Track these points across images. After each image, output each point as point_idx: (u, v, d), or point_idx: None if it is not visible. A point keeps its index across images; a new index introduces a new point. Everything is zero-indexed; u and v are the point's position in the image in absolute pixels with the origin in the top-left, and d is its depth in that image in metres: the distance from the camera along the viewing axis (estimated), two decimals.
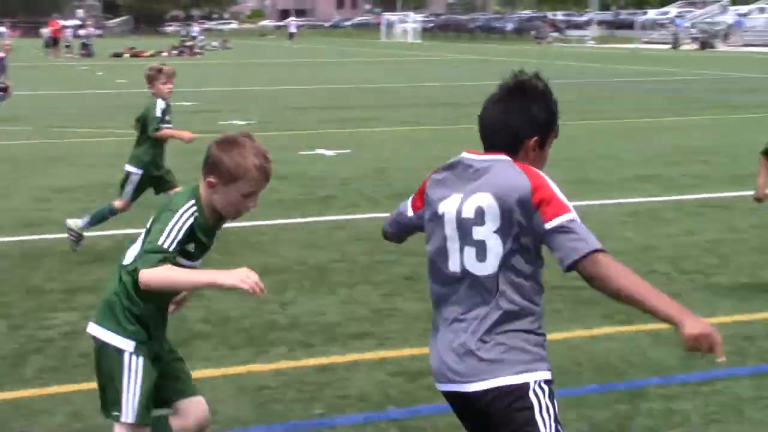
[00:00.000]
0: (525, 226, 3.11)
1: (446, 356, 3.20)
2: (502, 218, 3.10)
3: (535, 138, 3.24)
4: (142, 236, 3.74)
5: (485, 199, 3.12)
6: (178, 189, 4.85)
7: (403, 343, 6.16)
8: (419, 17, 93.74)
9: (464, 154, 3.27)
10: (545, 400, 3.12)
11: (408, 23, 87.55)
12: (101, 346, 3.80)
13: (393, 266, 7.96)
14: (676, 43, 63.35)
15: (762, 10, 73.80)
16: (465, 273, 3.18)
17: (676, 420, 4.96)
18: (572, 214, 3.08)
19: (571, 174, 12.70)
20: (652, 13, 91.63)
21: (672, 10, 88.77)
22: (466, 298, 3.19)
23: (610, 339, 6.15)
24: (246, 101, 24.28)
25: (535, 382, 3.12)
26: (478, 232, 3.14)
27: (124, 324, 3.74)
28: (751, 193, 7.24)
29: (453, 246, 3.20)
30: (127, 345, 3.75)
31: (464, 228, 3.17)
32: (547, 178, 3.16)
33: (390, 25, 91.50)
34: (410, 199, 3.54)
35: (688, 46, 64.22)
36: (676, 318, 3.02)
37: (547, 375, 3.17)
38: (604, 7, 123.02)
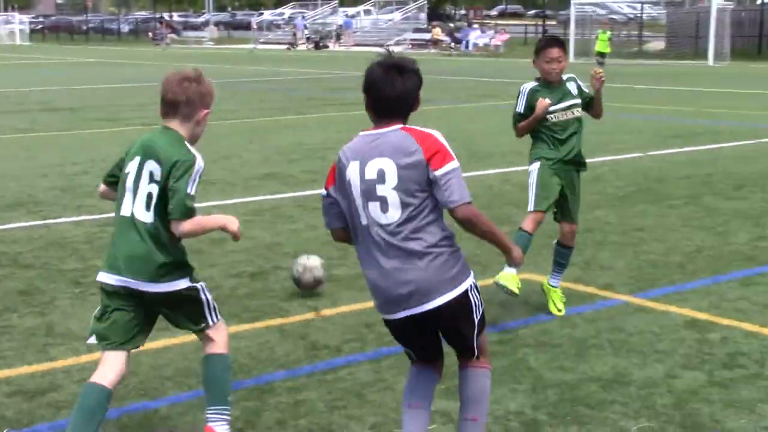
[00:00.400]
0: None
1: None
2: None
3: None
4: (146, 194, 4.23)
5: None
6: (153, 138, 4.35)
7: (18, 361, 5.84)
8: (26, 18, 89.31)
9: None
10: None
11: (14, 24, 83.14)
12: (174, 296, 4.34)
13: (5, 281, 7.52)
14: (294, 44, 65.23)
15: (368, 12, 77.91)
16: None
17: (302, 410, 5.09)
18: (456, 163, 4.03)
19: None
20: (267, 14, 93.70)
21: (286, 11, 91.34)
22: None
23: (238, 337, 6.19)
24: None
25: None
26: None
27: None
28: None
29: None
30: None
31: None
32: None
33: None
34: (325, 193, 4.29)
35: (303, 47, 66.39)
36: (509, 246, 4.24)
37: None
38: (221, 8, 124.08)
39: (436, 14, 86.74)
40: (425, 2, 76.49)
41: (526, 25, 72.22)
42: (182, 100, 4.38)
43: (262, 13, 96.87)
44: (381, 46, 64.51)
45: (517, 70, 38.15)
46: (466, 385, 4.27)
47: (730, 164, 13.36)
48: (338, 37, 69.03)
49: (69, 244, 8.79)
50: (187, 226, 4.25)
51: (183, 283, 4.39)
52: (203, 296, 4.50)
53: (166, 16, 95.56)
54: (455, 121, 19.19)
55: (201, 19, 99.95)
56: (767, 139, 16.04)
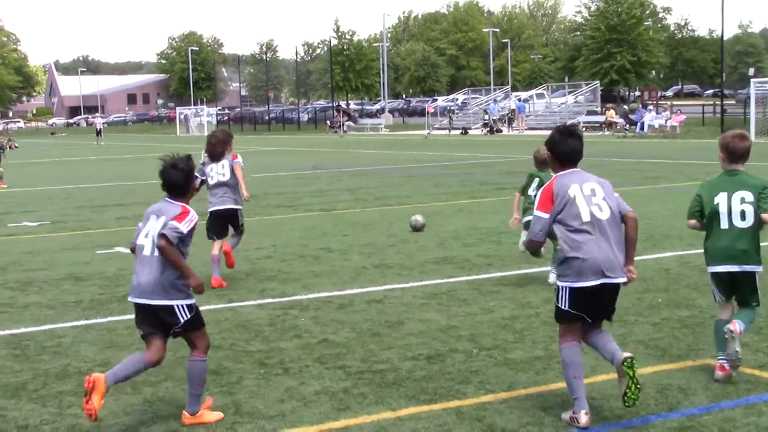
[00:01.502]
0: None
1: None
2: None
3: None
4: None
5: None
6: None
7: None
8: (213, 110, 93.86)
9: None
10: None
11: (203, 116, 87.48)
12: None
13: None
14: (492, 129, 65.57)
15: (540, 96, 78.11)
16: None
17: None
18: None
19: (372, 259, 12.99)
20: (441, 101, 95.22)
21: (459, 97, 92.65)
22: None
23: (416, 419, 6.29)
24: (40, 201, 23.54)
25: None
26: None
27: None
28: (546, 269, 7.60)
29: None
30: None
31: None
32: None
33: (185, 119, 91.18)
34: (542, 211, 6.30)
35: (477, 131, 67.04)
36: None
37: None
38: (396, 95, 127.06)
39: (609, 96, 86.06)
40: (598, 84, 76.12)
41: (703, 105, 70.70)
42: None
43: (435, 99, 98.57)
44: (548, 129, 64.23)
45: (695, 152, 37.33)
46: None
47: None
48: (511, 121, 69.37)
49: (253, 327, 9.15)
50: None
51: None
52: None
53: (342, 104, 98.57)
54: (630, 203, 18.91)
55: (376, 107, 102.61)
56: None
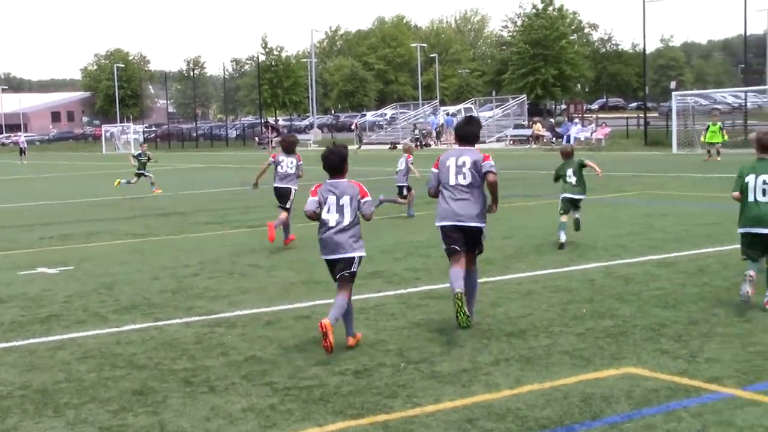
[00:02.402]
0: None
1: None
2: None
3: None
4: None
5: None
6: None
7: None
8: (140, 128, 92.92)
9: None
10: None
11: (129, 134, 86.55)
12: None
13: (121, 381, 7.78)
14: (420, 143, 65.80)
15: (468, 110, 78.72)
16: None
17: None
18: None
19: (300, 275, 12.97)
20: (370, 116, 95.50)
21: (388, 112, 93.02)
22: None
23: None
24: None
25: None
26: None
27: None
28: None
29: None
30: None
31: None
32: None
33: (111, 137, 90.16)
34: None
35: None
36: None
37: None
38: (325, 111, 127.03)
39: (536, 110, 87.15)
40: (525, 98, 77.06)
41: (627, 117, 71.96)
42: None
43: (364, 115, 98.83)
44: (483, 143, 65.06)
45: (620, 163, 37.97)
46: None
47: None
48: (439, 135, 69.83)
49: (179, 345, 9.06)
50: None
51: None
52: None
53: (271, 120, 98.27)
54: (556, 215, 19.18)
55: (305, 122, 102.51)
56: None
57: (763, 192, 9.53)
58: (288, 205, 16.14)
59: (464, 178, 9.00)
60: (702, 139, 41.67)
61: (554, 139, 59.23)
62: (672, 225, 17.04)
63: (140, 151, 31.64)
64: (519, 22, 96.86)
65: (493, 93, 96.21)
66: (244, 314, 10.43)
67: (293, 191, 16.18)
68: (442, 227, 9.15)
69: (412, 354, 8.38)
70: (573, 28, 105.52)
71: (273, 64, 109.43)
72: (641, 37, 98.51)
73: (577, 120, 64.69)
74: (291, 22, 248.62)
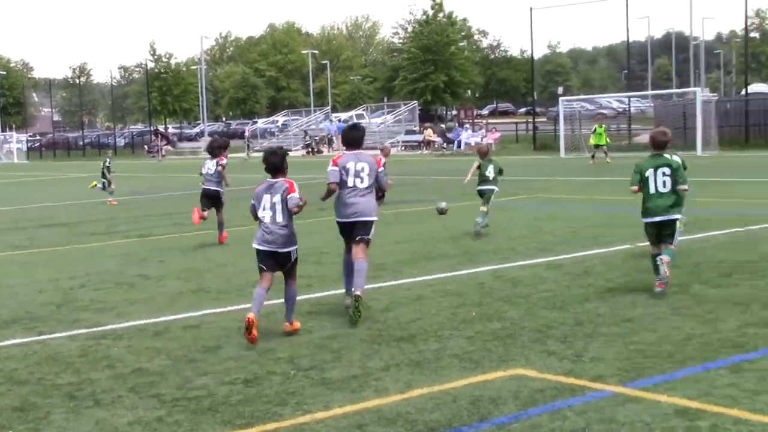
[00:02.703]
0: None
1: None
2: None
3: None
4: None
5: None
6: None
7: None
8: (23, 137, 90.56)
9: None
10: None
11: (12, 143, 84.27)
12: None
13: (0, 398, 7.57)
14: (312, 150, 65.66)
15: (360, 117, 79.01)
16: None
17: None
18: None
19: (189, 284, 12.82)
20: (261, 123, 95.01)
21: (280, 119, 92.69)
22: None
23: None
24: None
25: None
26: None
27: None
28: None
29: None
30: None
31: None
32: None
33: None
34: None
35: (298, 152, 67.13)
36: None
37: None
38: (215, 118, 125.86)
39: (427, 115, 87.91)
40: (416, 104, 77.68)
41: (516, 122, 73.20)
42: None
43: (256, 122, 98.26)
44: (374, 148, 65.35)
45: (510, 168, 38.55)
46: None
47: (718, 252, 13.50)
48: (331, 142, 69.88)
49: (63, 359, 8.86)
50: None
51: None
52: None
53: (160, 128, 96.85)
54: (447, 219, 19.41)
55: (195, 130, 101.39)
56: (755, 227, 16.19)
57: (664, 184, 10.67)
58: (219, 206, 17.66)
59: (362, 182, 10.39)
60: (589, 142, 42.69)
61: (445, 144, 59.89)
62: (560, 228, 17.40)
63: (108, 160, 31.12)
64: (409, 29, 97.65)
65: (385, 99, 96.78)
66: (131, 326, 10.25)
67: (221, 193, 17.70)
68: (342, 223, 10.54)
69: (303, 361, 8.36)
70: (463, 34, 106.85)
71: (162, 71, 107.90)
72: (529, 44, 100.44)
73: (467, 125, 65.53)
74: (180, 29, 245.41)
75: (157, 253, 16.46)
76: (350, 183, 10.40)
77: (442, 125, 75.23)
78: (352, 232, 10.43)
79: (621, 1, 54.05)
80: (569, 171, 35.90)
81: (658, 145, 10.89)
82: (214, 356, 8.69)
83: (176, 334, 9.74)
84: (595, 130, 41.35)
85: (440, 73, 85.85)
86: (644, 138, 51.76)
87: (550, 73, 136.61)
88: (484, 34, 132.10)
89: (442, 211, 15.30)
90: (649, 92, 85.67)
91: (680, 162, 10.92)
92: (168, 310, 11.07)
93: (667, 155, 10.83)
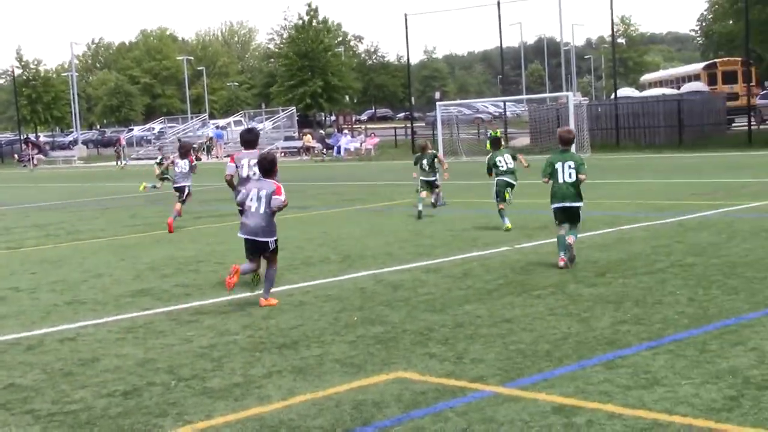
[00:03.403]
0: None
1: None
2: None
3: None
4: None
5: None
6: None
7: None
8: None
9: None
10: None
11: None
12: None
13: None
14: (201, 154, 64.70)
15: (238, 123, 78.37)
16: None
17: None
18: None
19: (64, 296, 12.51)
20: (137, 130, 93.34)
21: (156, 126, 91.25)
22: None
23: None
24: None
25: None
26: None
27: None
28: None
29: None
30: None
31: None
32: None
33: None
34: None
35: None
36: None
37: None
38: (89, 126, 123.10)
39: (306, 121, 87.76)
40: (294, 110, 77.48)
41: (395, 127, 73.70)
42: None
43: (131, 129, 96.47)
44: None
45: (389, 173, 38.89)
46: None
47: (592, 252, 13.87)
48: (209, 149, 69.14)
49: None
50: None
51: None
52: None
53: (32, 136, 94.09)
54: (326, 226, 19.45)
55: (69, 138, 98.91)
56: (626, 227, 16.69)
57: (570, 175, 12.81)
58: (183, 198, 20.63)
59: (254, 174, 12.82)
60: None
61: (325, 150, 59.93)
62: (440, 231, 17.60)
63: (161, 157, 35.15)
64: (285, 35, 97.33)
65: (263, 105, 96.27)
66: (2, 340, 9.94)
67: (188, 188, 20.71)
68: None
69: (183, 371, 8.26)
70: (339, 40, 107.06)
71: (31, 78, 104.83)
72: (405, 49, 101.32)
73: (346, 131, 65.71)
74: (49, 35, 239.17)
75: (28, 264, 16.00)
76: (243, 173, 13.35)
77: (321, 131, 75.28)
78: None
79: (493, 8, 54.98)
80: (457, 175, 36.31)
81: (564, 141, 13.04)
82: (92, 369, 8.50)
83: (51, 347, 9.49)
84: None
85: (318, 79, 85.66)
86: (520, 141, 52.86)
87: (427, 78, 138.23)
88: (359, 39, 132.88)
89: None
90: (524, 96, 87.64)
91: (582, 158, 13.21)
92: (42, 322, 10.78)
93: (572, 151, 13.08)
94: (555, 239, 13.33)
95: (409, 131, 63.44)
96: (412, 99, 76.65)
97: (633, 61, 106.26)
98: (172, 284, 13.02)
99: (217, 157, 66.43)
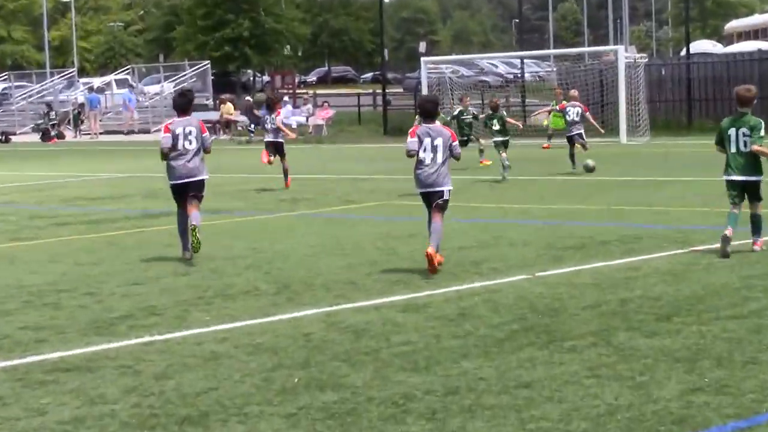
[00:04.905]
0: None
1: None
2: None
3: None
4: None
5: None
6: None
7: None
8: None
9: None
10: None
11: None
12: None
13: None
14: (47, 134, 64.34)
15: (122, 83, 77.79)
16: None
17: None
18: None
19: None
20: None
21: None
22: None
23: None
24: None
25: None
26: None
27: None
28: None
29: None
30: None
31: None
32: None
33: None
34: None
35: (27, 137, 65.88)
36: None
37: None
38: None
39: (227, 82, 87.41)
40: (209, 66, 77.20)
41: (359, 94, 73.56)
42: None
43: None
44: (147, 132, 64.48)
45: (350, 163, 38.73)
46: None
47: (652, 285, 13.86)
48: (77, 121, 68.71)
49: None
50: None
51: None
52: None
53: None
54: (255, 240, 19.39)
55: None
56: (703, 247, 16.63)
57: (745, 144, 15.35)
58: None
59: (191, 144, 16.69)
60: (545, 122, 43.07)
61: (252, 126, 59.71)
62: (423, 249, 17.52)
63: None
64: None
65: (161, 58, 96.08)
66: None
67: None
68: (175, 185, 17.06)
69: None
70: None
71: None
72: None
73: (286, 98, 65.57)
74: None
75: None
76: (180, 146, 16.69)
77: (249, 98, 75.06)
78: (186, 191, 16.83)
79: None
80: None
81: (743, 101, 15.54)
82: None
83: None
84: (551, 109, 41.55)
85: (244, 19, 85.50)
86: (542, 117, 52.34)
87: (408, 22, 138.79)
88: None
89: (589, 169, 24.82)
90: (551, 51, 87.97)
91: (760, 122, 15.46)
92: None
93: (749, 115, 15.53)
94: (593, 265, 13.32)
95: (379, 100, 63.43)
96: (386, 53, 76.71)
97: (714, 0, 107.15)
98: (18, 326, 12.89)
99: (91, 132, 66.08)
